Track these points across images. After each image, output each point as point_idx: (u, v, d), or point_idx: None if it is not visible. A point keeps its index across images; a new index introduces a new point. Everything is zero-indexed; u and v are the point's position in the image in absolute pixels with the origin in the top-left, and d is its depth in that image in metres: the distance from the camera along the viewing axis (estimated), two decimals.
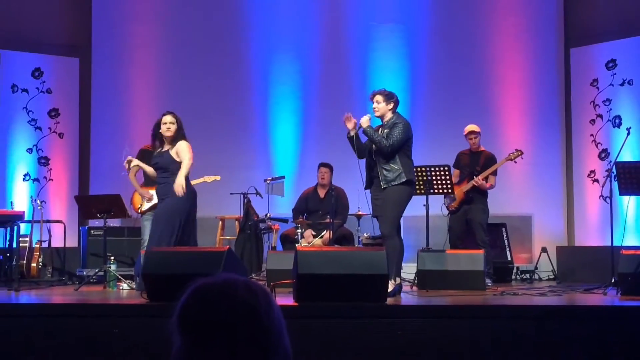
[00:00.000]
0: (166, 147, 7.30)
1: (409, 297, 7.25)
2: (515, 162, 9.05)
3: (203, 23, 11.61)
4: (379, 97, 7.30)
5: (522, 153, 8.98)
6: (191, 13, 11.66)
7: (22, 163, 11.11)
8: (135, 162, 7.34)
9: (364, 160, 7.43)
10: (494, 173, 9.02)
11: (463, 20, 11.38)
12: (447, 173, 8.59)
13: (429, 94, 11.30)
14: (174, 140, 7.29)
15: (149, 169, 7.44)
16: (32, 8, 11.35)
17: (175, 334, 1.67)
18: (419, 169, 8.61)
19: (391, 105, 7.28)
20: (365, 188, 7.51)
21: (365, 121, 7.23)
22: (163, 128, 7.28)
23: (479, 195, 8.90)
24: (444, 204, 9.02)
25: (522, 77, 11.22)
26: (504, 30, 11.31)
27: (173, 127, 7.28)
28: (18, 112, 11.13)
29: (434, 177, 8.59)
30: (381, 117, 7.33)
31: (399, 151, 7.17)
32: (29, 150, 11.15)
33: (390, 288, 6.57)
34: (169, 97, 11.36)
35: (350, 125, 7.32)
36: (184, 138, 7.32)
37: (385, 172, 7.16)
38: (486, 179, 8.96)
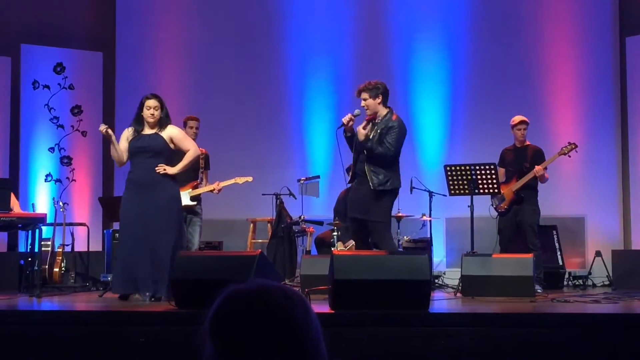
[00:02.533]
0: (152, 130, 7.30)
1: (452, 304, 7.21)
2: (569, 156, 8.93)
3: (234, 13, 11.66)
4: (364, 94, 7.24)
5: (576, 146, 8.85)
6: (222, 3, 11.71)
7: (43, 163, 11.24)
8: (109, 133, 7.23)
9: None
10: (545, 169, 8.92)
11: (508, 5, 11.30)
12: (492, 172, 8.54)
13: (471, 86, 11.24)
14: (160, 124, 7.32)
15: (120, 148, 7.29)
16: None
17: (207, 342, 1.68)
18: (462, 168, 8.57)
19: (380, 99, 7.22)
20: (349, 182, 7.51)
21: (362, 132, 7.18)
22: (147, 113, 7.27)
23: (529, 194, 8.81)
24: (492, 205, 8.94)
25: (573, 67, 11.11)
26: (554, 16, 11.22)
27: (157, 113, 7.31)
28: (39, 110, 11.25)
29: (478, 177, 8.55)
30: (373, 114, 7.28)
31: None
32: (51, 149, 11.27)
33: None
34: (197, 92, 11.44)
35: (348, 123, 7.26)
36: (170, 123, 7.37)
37: (372, 174, 7.16)
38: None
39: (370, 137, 7.20)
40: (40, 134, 11.25)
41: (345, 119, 7.19)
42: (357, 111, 7.30)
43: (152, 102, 7.29)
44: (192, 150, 7.47)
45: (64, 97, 11.34)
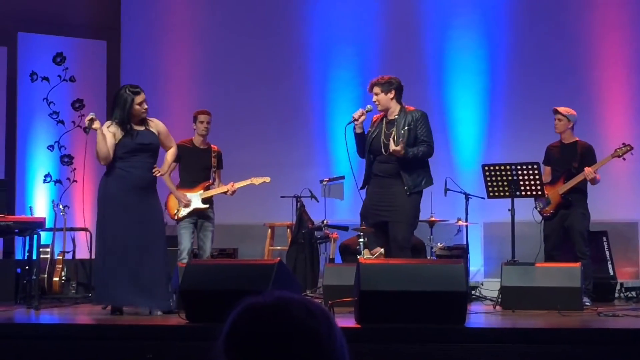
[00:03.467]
0: (141, 126, 7.29)
1: (491, 318, 7.19)
2: (624, 158, 8.86)
3: None
4: (376, 89, 7.33)
5: (631, 148, 8.77)
6: None
7: (42, 162, 11.31)
8: (98, 124, 7.16)
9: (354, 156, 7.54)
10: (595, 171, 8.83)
11: None
12: (536, 172, 8.50)
13: (511, 77, 11.19)
14: (144, 119, 7.33)
15: (108, 143, 7.15)
16: None
17: None
18: (502, 168, 8.53)
19: (392, 94, 7.31)
20: (361, 188, 7.55)
21: (397, 147, 7.21)
22: (140, 109, 7.22)
23: (578, 198, 8.74)
24: (536, 208, 8.88)
25: (626, 56, 11.04)
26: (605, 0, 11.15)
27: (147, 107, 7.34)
28: (38, 104, 11.32)
29: (520, 177, 8.51)
30: (385, 110, 7.33)
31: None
32: (50, 147, 11.34)
33: None
34: (208, 84, 11.46)
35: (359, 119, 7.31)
36: None
37: (406, 177, 7.24)
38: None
39: (399, 139, 7.23)
40: (38, 131, 11.32)
41: (356, 114, 7.28)
42: (369, 106, 7.42)
43: (143, 96, 7.27)
44: (174, 148, 7.59)
45: (64, 90, 11.41)
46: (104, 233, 7.18)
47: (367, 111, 7.35)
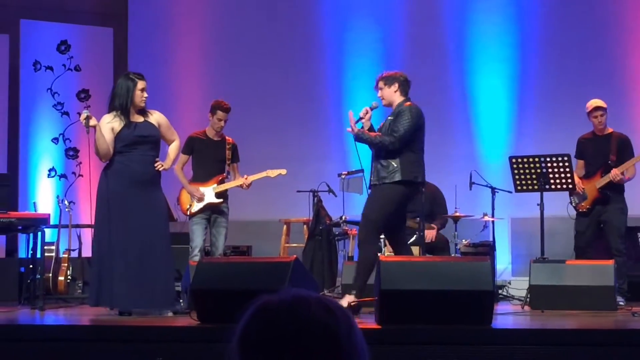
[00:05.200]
0: (140, 117, 7.31)
1: (519, 318, 7.18)
2: None
3: None
4: (380, 83, 7.41)
5: None
6: None
7: (46, 156, 11.36)
8: (94, 120, 7.20)
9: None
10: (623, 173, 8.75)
11: None
12: (566, 164, 8.46)
13: (543, 63, 11.16)
14: (144, 109, 7.34)
15: (107, 139, 7.19)
16: None
17: None
18: (530, 160, 8.50)
19: (395, 88, 7.35)
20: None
21: (352, 124, 7.24)
22: (141, 96, 7.23)
23: (616, 192, 8.70)
24: (572, 203, 8.84)
25: None
26: None
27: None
28: (41, 95, 11.37)
29: (549, 170, 8.48)
30: (389, 104, 7.42)
31: (407, 144, 7.20)
32: (55, 140, 11.39)
33: (345, 304, 6.51)
34: (218, 73, 11.48)
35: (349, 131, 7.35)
36: None
37: (379, 167, 7.25)
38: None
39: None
40: (42, 123, 11.37)
41: (361, 113, 7.34)
42: (374, 103, 7.48)
43: (144, 83, 7.29)
44: (177, 141, 7.60)
45: (69, 79, 11.45)
46: (101, 231, 7.21)
47: (372, 108, 7.43)
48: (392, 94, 7.35)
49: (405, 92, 7.38)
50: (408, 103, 7.31)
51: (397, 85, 7.34)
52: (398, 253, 7.34)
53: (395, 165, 7.15)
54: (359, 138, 7.29)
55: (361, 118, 7.38)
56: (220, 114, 8.70)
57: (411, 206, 9.66)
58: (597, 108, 8.76)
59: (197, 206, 8.60)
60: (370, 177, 7.37)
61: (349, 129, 7.30)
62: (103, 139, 7.12)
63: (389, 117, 7.33)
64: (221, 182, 8.69)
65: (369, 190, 7.42)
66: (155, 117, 7.38)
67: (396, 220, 7.36)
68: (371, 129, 7.42)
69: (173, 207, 9.17)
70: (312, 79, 11.49)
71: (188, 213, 8.71)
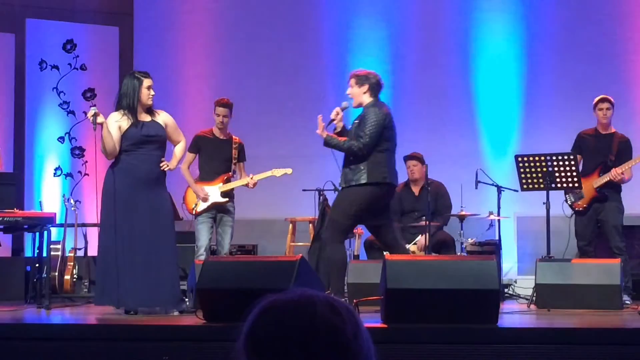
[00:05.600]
0: (148, 116, 7.32)
1: (525, 317, 7.18)
2: None
3: None
4: (351, 81, 7.37)
5: None
6: None
7: (52, 155, 11.37)
8: (102, 118, 7.21)
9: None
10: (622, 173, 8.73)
11: None
12: (572, 163, 8.46)
13: (550, 62, 11.13)
14: (151, 108, 7.36)
15: (114, 137, 7.19)
16: None
17: None
18: (536, 159, 8.49)
19: (365, 88, 7.30)
20: None
21: (321, 128, 7.27)
22: (148, 94, 7.25)
23: (613, 190, 8.71)
24: (567, 201, 8.84)
25: None
26: None
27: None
28: (47, 94, 11.38)
29: (556, 169, 8.47)
30: (358, 104, 7.38)
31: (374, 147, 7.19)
32: (61, 139, 11.40)
33: None
34: (223, 72, 11.48)
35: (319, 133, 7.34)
36: None
37: (347, 170, 7.25)
38: None
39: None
40: (48, 122, 11.38)
41: (332, 114, 7.34)
42: (344, 103, 7.46)
43: (150, 81, 7.31)
44: (183, 142, 7.64)
45: (75, 78, 11.46)
46: (106, 229, 7.22)
47: (342, 109, 7.42)
48: (361, 95, 7.31)
49: (374, 94, 7.33)
50: (373, 105, 7.25)
51: (367, 86, 7.29)
52: (393, 252, 7.33)
53: (362, 168, 7.15)
54: (327, 143, 7.28)
55: (332, 120, 7.37)
56: (218, 109, 8.73)
57: (416, 205, 9.70)
58: (603, 99, 8.75)
59: (202, 205, 8.60)
60: (340, 180, 7.38)
61: (318, 132, 7.27)
62: (110, 136, 7.13)
63: (355, 121, 7.31)
64: (227, 181, 8.69)
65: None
66: (163, 118, 7.40)
67: (375, 220, 7.38)
68: (344, 129, 7.41)
69: (179, 207, 9.17)
70: (317, 78, 11.48)
71: (194, 212, 8.71)
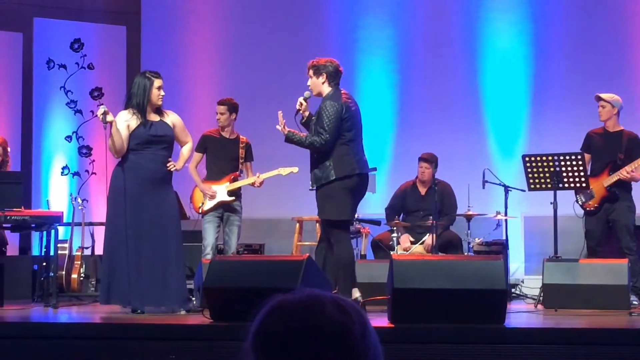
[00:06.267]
0: (157, 116, 7.32)
1: (532, 317, 7.17)
2: None
3: None
4: (309, 72, 7.31)
5: None
6: None
7: (59, 154, 11.38)
8: (111, 116, 7.20)
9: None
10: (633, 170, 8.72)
11: None
12: (580, 162, 8.44)
13: (558, 61, 11.10)
14: (160, 108, 7.37)
15: (122, 135, 7.20)
16: None
17: None
18: (544, 159, 8.48)
19: (323, 79, 7.23)
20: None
21: (282, 124, 7.22)
22: (158, 94, 7.26)
23: (623, 190, 8.68)
24: (578, 201, 8.83)
25: None
26: None
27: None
28: (55, 93, 11.39)
29: (563, 168, 8.46)
30: (318, 94, 7.32)
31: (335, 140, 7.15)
32: (68, 138, 11.41)
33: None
34: (231, 71, 11.49)
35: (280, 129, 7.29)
36: None
37: (315, 170, 7.21)
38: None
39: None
40: (55, 121, 11.39)
41: (297, 105, 7.31)
42: (307, 93, 7.37)
43: (161, 82, 7.32)
44: (190, 143, 7.67)
45: (82, 77, 11.47)
46: (112, 228, 7.23)
47: (305, 99, 7.33)
48: (320, 85, 7.24)
49: (334, 82, 7.25)
50: (330, 97, 7.18)
51: (324, 75, 7.21)
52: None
53: (329, 165, 7.11)
54: (289, 139, 7.22)
55: (298, 110, 7.32)
56: (217, 107, 8.77)
57: (422, 204, 9.69)
58: (596, 98, 8.76)
59: (209, 204, 8.60)
60: (310, 181, 7.31)
61: (279, 128, 7.22)
62: (118, 135, 7.14)
63: (313, 117, 7.25)
64: (234, 180, 8.70)
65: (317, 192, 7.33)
66: (171, 118, 7.41)
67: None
68: (310, 117, 7.36)
69: (186, 206, 9.18)
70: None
71: (200, 211, 8.72)
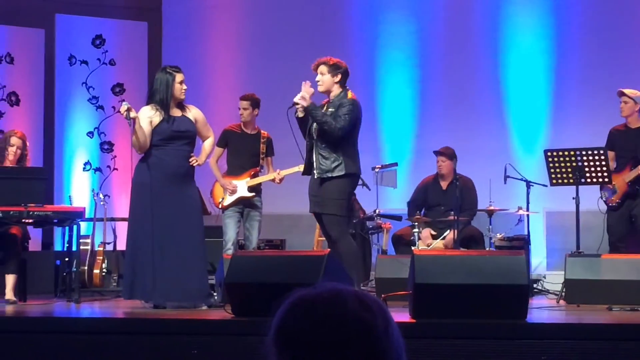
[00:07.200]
0: (179, 112, 7.33)
1: (554, 313, 7.14)
2: None
3: None
4: (322, 68, 7.34)
5: None
6: None
7: (81, 149, 11.43)
8: (134, 113, 7.17)
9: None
10: None
11: None
12: (602, 157, 8.40)
13: (581, 55, 11.06)
14: (182, 103, 7.38)
15: (145, 132, 7.19)
16: None
17: (272, 356, 1.69)
18: (566, 154, 8.45)
19: (338, 78, 7.30)
20: (303, 174, 7.62)
21: (306, 95, 7.22)
22: (181, 89, 7.28)
23: None
24: (602, 197, 8.80)
25: None
26: None
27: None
28: (76, 89, 11.44)
29: (585, 163, 8.42)
30: (326, 92, 7.36)
31: (345, 137, 7.21)
32: (90, 134, 11.46)
33: None
34: (252, 66, 11.50)
35: (302, 101, 7.23)
36: None
37: (322, 160, 7.24)
38: None
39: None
40: (77, 117, 11.44)
41: (296, 98, 7.25)
42: (308, 84, 7.36)
43: (182, 76, 7.33)
44: (212, 138, 7.66)
45: (104, 73, 11.51)
46: (136, 224, 7.24)
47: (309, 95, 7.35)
48: (333, 84, 7.31)
49: (344, 83, 7.35)
50: (350, 95, 7.29)
51: (339, 76, 7.30)
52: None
53: (337, 157, 7.16)
54: (309, 111, 7.18)
55: (296, 104, 7.33)
56: (239, 102, 8.79)
57: (443, 200, 9.67)
58: (619, 94, 8.73)
59: (229, 199, 8.62)
60: (313, 170, 7.34)
61: (300, 100, 7.19)
62: (142, 131, 7.15)
63: (330, 109, 7.27)
64: (254, 175, 8.71)
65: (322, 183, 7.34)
66: (193, 113, 7.42)
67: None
68: (304, 115, 7.38)
69: (207, 201, 9.20)
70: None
71: (220, 206, 8.74)
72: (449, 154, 9.62)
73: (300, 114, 7.32)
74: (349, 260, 7.06)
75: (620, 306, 6.96)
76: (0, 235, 8.06)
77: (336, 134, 7.14)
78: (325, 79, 7.32)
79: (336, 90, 7.32)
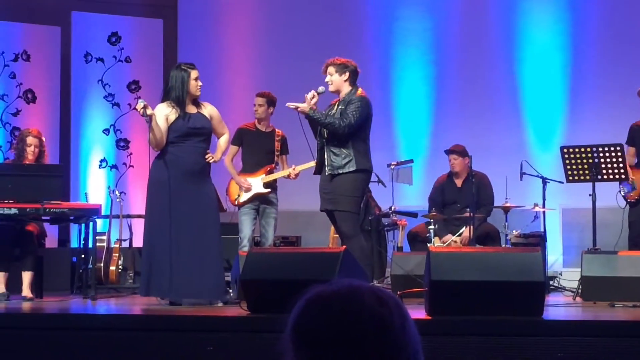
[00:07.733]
0: (195, 108, 7.33)
1: (571, 310, 7.12)
2: None
3: None
4: (331, 69, 7.47)
5: None
6: None
7: (97, 147, 11.46)
8: (151, 110, 7.11)
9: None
10: None
11: None
12: (619, 154, 8.37)
13: (597, 52, 11.02)
14: (197, 100, 7.38)
15: (162, 129, 7.17)
16: None
17: (288, 353, 1.69)
18: (582, 150, 8.42)
19: (346, 76, 7.41)
20: (315, 172, 7.64)
21: (308, 100, 7.28)
22: (196, 85, 7.27)
23: None
24: (620, 192, 8.77)
25: None
26: None
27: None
28: (92, 86, 11.47)
29: (602, 160, 8.39)
30: (337, 91, 7.46)
31: (356, 133, 7.26)
32: (106, 131, 11.49)
33: None
34: (268, 63, 11.50)
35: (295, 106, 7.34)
36: None
37: (333, 157, 7.31)
38: None
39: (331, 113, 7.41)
40: (93, 114, 11.47)
41: (308, 96, 7.32)
42: (321, 88, 7.47)
43: (197, 72, 7.34)
44: (227, 134, 7.64)
45: (119, 71, 11.54)
46: (152, 221, 7.24)
47: (319, 93, 7.43)
48: (342, 83, 7.42)
49: (354, 81, 7.45)
50: (360, 92, 7.39)
51: (348, 74, 7.41)
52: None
53: (348, 154, 7.23)
54: (309, 116, 7.30)
55: (302, 107, 7.38)
56: (255, 99, 8.81)
57: (458, 197, 9.66)
58: (639, 93, 8.71)
59: (245, 196, 8.64)
60: (325, 167, 7.37)
61: (301, 106, 7.29)
62: (158, 128, 7.15)
63: (339, 106, 7.34)
64: (270, 172, 8.72)
65: (332, 180, 7.37)
66: (208, 110, 7.42)
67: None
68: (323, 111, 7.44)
69: (223, 198, 9.21)
70: (359, 69, 11.44)
71: (236, 203, 8.75)
72: (460, 152, 9.61)
73: (311, 113, 7.38)
74: (359, 259, 7.08)
75: (623, 303, 6.93)
76: (17, 233, 8.10)
77: (343, 132, 7.21)
78: (334, 78, 7.44)
79: (346, 88, 7.41)
